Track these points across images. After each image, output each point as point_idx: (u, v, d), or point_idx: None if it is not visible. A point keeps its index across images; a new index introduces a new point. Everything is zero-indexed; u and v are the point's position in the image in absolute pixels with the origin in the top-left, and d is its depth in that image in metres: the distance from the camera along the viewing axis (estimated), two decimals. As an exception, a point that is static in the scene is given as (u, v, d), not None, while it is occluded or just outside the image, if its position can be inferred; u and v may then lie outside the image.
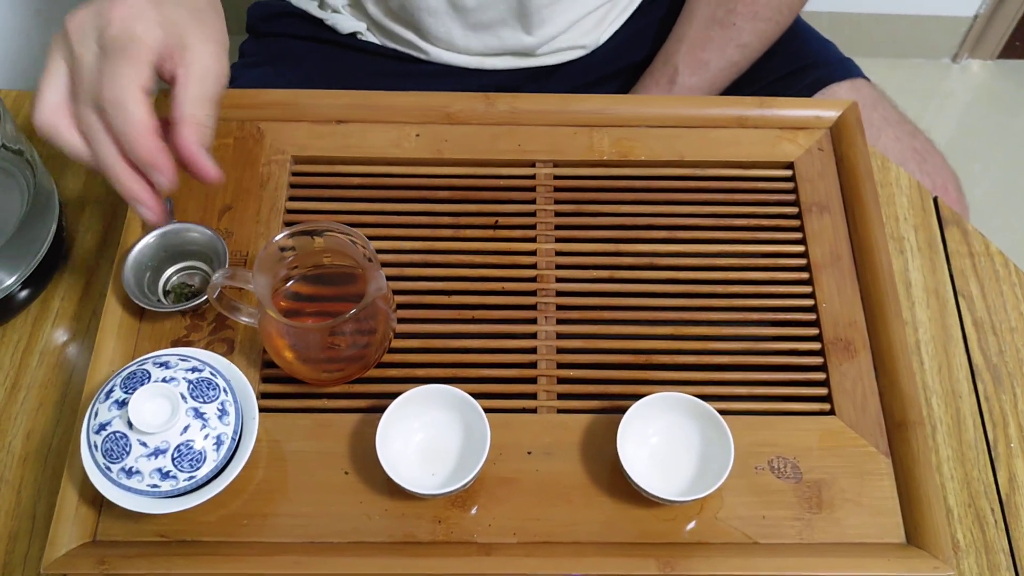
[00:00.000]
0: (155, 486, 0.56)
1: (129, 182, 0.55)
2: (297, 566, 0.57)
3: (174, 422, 0.56)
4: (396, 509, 0.60)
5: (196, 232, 0.67)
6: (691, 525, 0.60)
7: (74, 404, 0.67)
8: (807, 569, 0.58)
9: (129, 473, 0.56)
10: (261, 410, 0.64)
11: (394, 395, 0.61)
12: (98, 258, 0.73)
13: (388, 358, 0.66)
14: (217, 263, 0.67)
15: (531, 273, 0.70)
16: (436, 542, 0.59)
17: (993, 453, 0.67)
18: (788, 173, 0.75)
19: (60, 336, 0.70)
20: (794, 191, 0.74)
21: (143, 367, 0.58)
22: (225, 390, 0.59)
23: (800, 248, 0.71)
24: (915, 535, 0.59)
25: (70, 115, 0.55)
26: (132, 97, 0.53)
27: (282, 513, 0.60)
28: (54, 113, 0.55)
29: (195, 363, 0.59)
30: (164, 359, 0.59)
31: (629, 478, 0.58)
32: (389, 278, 0.69)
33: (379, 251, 0.70)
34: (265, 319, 0.61)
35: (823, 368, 0.66)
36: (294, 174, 0.74)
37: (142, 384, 0.57)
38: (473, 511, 0.60)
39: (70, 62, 0.55)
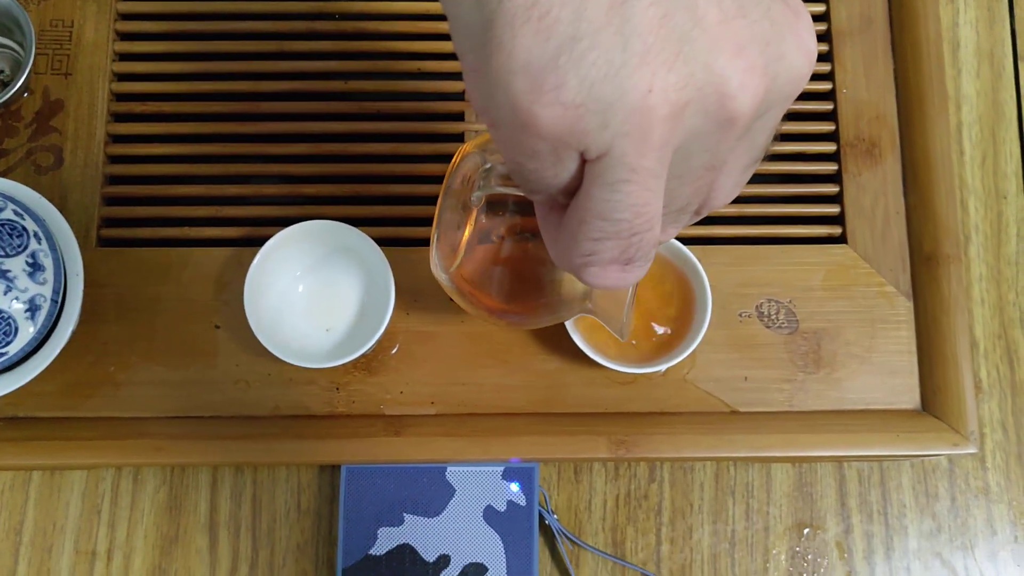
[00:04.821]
0: (-47, 368, 0.43)
1: None
2: (158, 454, 0.46)
3: (-37, 288, 0.41)
4: (282, 372, 0.48)
5: (-15, -2, 0.49)
6: (653, 390, 0.48)
7: None
8: (793, 448, 0.46)
9: (-85, 353, 0.42)
10: (106, 242, 0.49)
11: (272, 221, 0.47)
12: None
13: (268, 168, 0.51)
14: (24, 39, 0.49)
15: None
16: (334, 415, 0.47)
17: (1035, 276, 0.53)
18: None
19: None
20: (818, -80, 0.54)
21: (-81, 207, 0.43)
22: (36, 236, 0.44)
23: (820, 7, 0.53)
24: (933, 401, 0.48)
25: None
26: None
27: (138, 380, 0.47)
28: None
29: (-8, 199, 0.44)
30: (-51, 194, 0.43)
31: (575, 342, 0.45)
32: (281, 74, 0.52)
33: (262, 35, 0.52)
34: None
35: (836, 178, 0.51)
36: (133, -100, 0.54)
37: (-84, 234, 0.42)
38: (380, 375, 0.48)
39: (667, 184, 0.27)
